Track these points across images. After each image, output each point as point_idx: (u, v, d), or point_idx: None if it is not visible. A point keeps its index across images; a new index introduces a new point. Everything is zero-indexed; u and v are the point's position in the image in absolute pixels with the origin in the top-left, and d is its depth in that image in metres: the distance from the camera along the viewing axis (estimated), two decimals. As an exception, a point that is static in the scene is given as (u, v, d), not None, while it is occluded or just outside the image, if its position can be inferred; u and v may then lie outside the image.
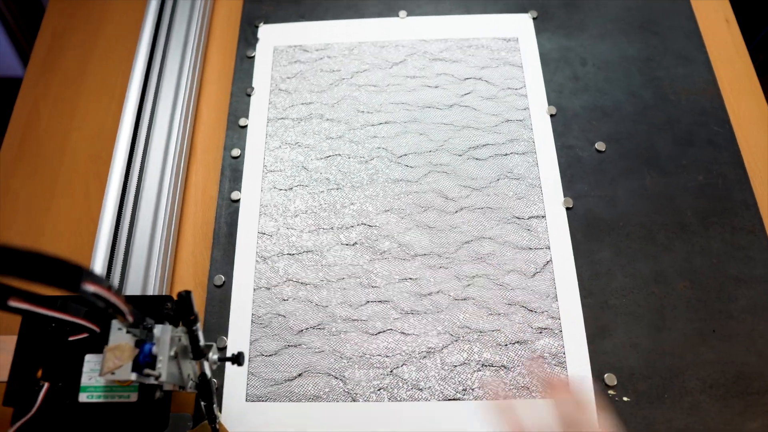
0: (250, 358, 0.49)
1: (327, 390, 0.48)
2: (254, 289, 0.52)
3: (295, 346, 0.50)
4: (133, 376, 0.38)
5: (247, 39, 0.66)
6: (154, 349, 0.39)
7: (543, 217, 0.54)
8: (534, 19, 0.66)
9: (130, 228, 0.53)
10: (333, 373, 0.49)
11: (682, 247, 0.54)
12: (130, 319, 0.37)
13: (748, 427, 0.47)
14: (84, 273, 0.30)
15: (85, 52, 0.67)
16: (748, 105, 0.62)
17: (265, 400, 0.48)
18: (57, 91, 0.65)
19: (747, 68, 0.64)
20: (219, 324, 0.51)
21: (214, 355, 0.43)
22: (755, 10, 0.85)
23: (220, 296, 0.52)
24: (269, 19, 0.67)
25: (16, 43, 1.52)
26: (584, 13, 0.67)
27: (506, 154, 0.58)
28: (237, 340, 0.50)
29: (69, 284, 0.30)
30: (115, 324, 0.40)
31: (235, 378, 0.49)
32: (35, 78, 0.66)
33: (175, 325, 0.40)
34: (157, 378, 0.38)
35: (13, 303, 0.35)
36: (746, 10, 0.83)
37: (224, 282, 0.53)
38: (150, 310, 0.44)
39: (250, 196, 0.56)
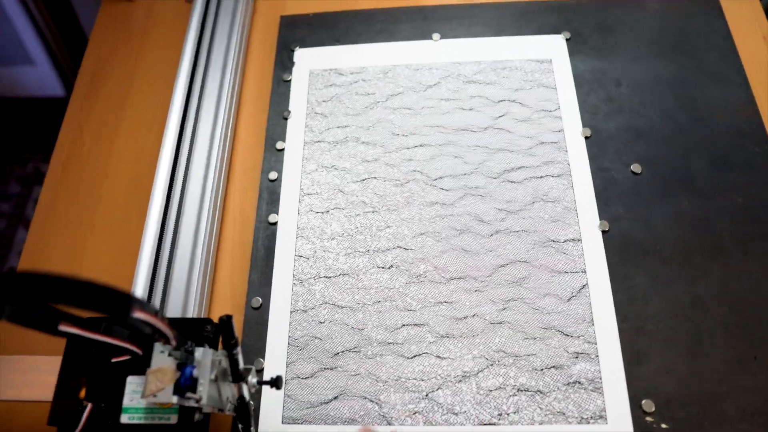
0: (286, 381, 0.50)
1: (362, 413, 0.48)
2: (291, 312, 0.52)
3: (331, 369, 0.50)
4: (175, 399, 0.39)
5: (284, 63, 0.67)
6: (195, 372, 0.39)
7: (579, 240, 0.54)
8: (567, 40, 0.66)
9: (170, 251, 0.54)
10: (368, 397, 0.49)
11: (720, 271, 0.53)
12: (174, 343, 0.38)
13: (792, 459, 0.45)
14: (133, 301, 0.31)
15: (126, 77, 0.69)
16: (788, 126, 0.60)
17: (301, 423, 0.48)
18: (99, 116, 0.67)
19: (786, 88, 0.62)
20: (256, 346, 0.51)
21: (253, 379, 0.44)
22: None
23: (257, 318, 0.53)
24: (305, 43, 0.68)
25: (57, 66, 1.57)
26: (618, 35, 0.66)
27: (541, 177, 0.57)
28: (274, 362, 0.50)
29: (119, 312, 0.31)
30: (158, 347, 0.40)
31: (271, 400, 0.49)
32: (79, 103, 0.68)
33: (215, 348, 0.41)
34: (197, 401, 0.39)
35: (63, 327, 0.36)
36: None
37: (261, 304, 0.53)
38: (190, 332, 0.45)
39: (287, 218, 0.57)
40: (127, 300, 0.31)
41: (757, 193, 0.56)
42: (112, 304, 0.30)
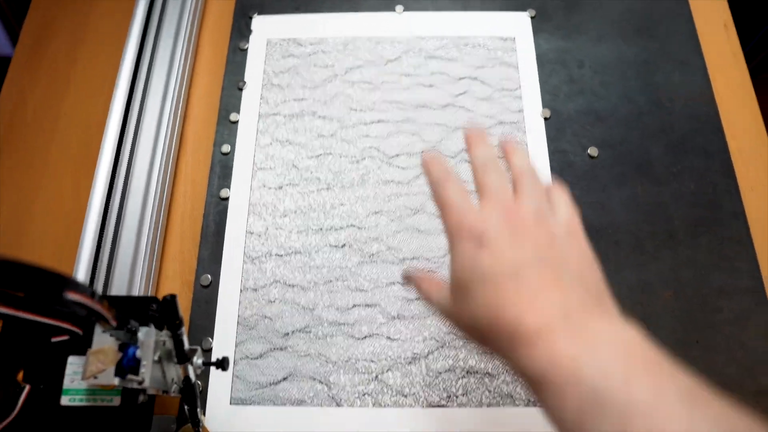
0: (235, 361, 0.49)
1: (311, 394, 0.48)
2: (241, 290, 0.51)
3: (281, 349, 0.49)
4: (116, 381, 0.37)
5: (241, 30, 0.64)
6: (138, 353, 0.38)
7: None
8: (532, 18, 0.65)
9: (116, 225, 0.52)
10: (318, 378, 0.48)
11: (670, 257, 0.53)
12: (114, 323, 0.36)
13: (727, 441, 0.47)
14: (66, 282, 0.29)
15: (74, 41, 0.65)
16: (742, 113, 0.61)
17: (249, 404, 0.48)
18: (45, 79, 0.63)
19: (743, 76, 0.63)
20: (205, 325, 0.50)
21: (198, 360, 0.43)
22: (752, 12, 0.83)
23: (207, 297, 0.51)
24: (264, 10, 0.65)
25: (6, 24, 1.49)
26: (583, 14, 0.65)
27: (499, 157, 0.56)
28: (222, 341, 0.49)
29: (51, 294, 0.29)
30: (99, 327, 0.39)
31: (219, 381, 0.48)
32: (21, 68, 0.64)
33: (160, 328, 0.40)
34: (140, 383, 0.38)
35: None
36: (743, 12, 0.81)
37: (211, 282, 0.52)
38: (135, 311, 0.43)
39: (239, 194, 0.55)
40: (58, 280, 0.29)
41: (710, 179, 0.57)
42: (42, 284, 0.29)
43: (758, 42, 0.83)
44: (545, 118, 0.59)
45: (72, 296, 0.30)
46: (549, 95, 0.60)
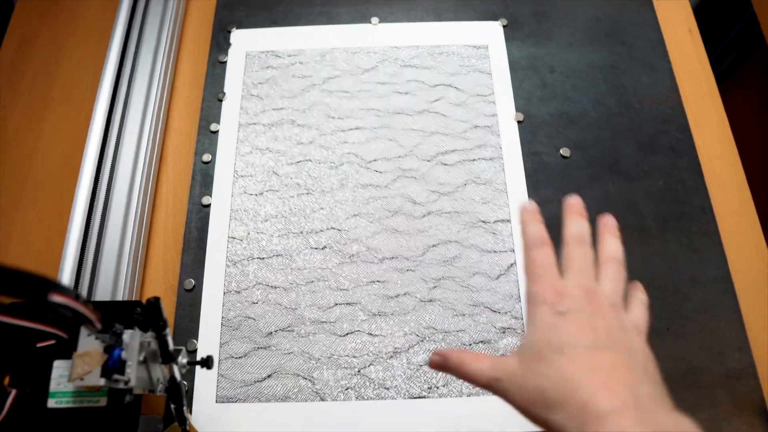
0: (219, 361, 0.52)
1: (296, 390, 0.51)
2: (224, 293, 0.55)
3: (265, 348, 0.52)
4: (102, 382, 0.40)
5: (219, 44, 0.69)
6: (123, 355, 0.41)
7: (508, 221, 0.58)
8: (504, 26, 0.70)
9: (99, 233, 0.55)
10: (302, 374, 0.51)
11: (641, 250, 0.58)
12: (99, 326, 0.39)
13: (696, 418, 0.50)
14: (50, 284, 0.32)
15: (54, 55, 0.70)
16: (708, 113, 0.66)
17: (235, 401, 0.51)
18: (26, 95, 0.68)
19: (708, 78, 0.68)
20: (189, 327, 0.54)
21: (183, 359, 0.46)
22: (718, 19, 0.89)
23: (191, 300, 0.55)
24: (242, 25, 0.70)
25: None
26: (553, 22, 0.71)
27: (474, 160, 0.61)
28: (207, 342, 0.53)
29: (36, 296, 0.31)
30: (84, 330, 0.42)
31: (205, 380, 0.51)
32: (4, 80, 0.68)
33: (145, 331, 0.43)
34: (126, 383, 0.41)
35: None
36: (709, 19, 0.87)
37: (194, 286, 0.55)
38: (119, 315, 0.46)
39: (220, 200, 0.59)
40: (42, 283, 0.31)
41: (678, 176, 0.62)
42: (27, 287, 0.30)
43: (723, 49, 0.88)
44: (518, 122, 0.63)
45: (57, 298, 0.32)
46: (522, 100, 0.65)
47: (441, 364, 0.37)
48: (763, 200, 0.64)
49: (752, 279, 0.58)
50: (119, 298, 0.53)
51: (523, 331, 0.53)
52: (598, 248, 0.38)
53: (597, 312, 0.33)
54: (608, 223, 0.40)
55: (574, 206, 0.40)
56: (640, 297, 0.38)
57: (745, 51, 0.84)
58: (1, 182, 0.62)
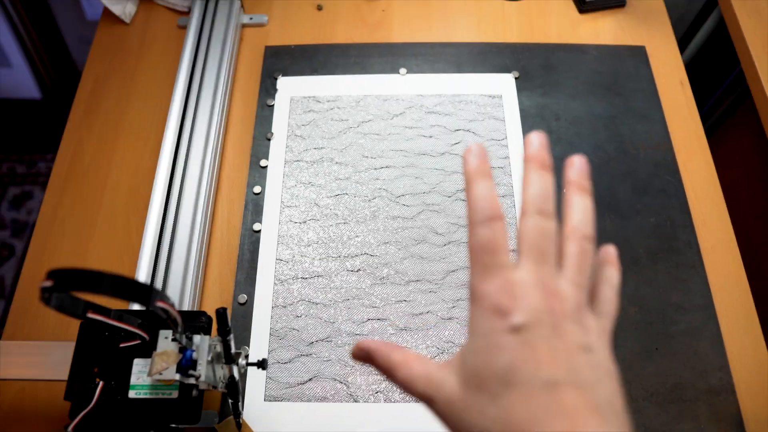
0: (268, 365, 0.59)
1: (333, 392, 0.58)
2: (272, 307, 0.62)
3: (307, 356, 0.60)
4: (177, 377, 0.48)
5: (267, 90, 0.77)
6: (194, 355, 0.49)
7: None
8: (516, 78, 0.78)
9: (168, 255, 0.63)
10: (338, 378, 0.59)
11: (634, 279, 0.65)
12: (182, 327, 0.47)
13: (680, 428, 0.58)
14: (157, 293, 0.40)
15: (124, 96, 0.79)
16: (696, 159, 0.73)
17: (281, 400, 0.58)
18: (99, 131, 0.76)
19: (697, 127, 0.76)
20: (242, 336, 0.61)
21: (242, 361, 0.53)
22: (708, 77, 0.97)
23: (243, 312, 0.62)
24: (287, 72, 0.78)
25: (33, 68, 1.63)
26: (559, 75, 0.79)
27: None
28: (257, 349, 0.60)
29: (145, 301, 0.39)
30: (162, 333, 0.50)
31: (255, 382, 0.59)
32: (79, 119, 0.78)
33: (210, 335, 0.50)
34: (197, 378, 0.48)
35: (91, 315, 0.45)
36: (700, 76, 0.95)
37: (247, 300, 0.63)
38: (187, 322, 0.54)
39: (269, 227, 0.67)
40: (152, 291, 0.40)
41: (668, 215, 0.69)
42: (141, 294, 0.39)
43: (713, 103, 0.96)
44: (528, 163, 0.71)
45: (159, 303, 0.41)
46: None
47: (363, 359, 0.31)
48: (743, 237, 0.71)
49: (733, 307, 0.64)
50: (184, 309, 0.61)
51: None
52: (563, 213, 0.30)
53: (558, 325, 0.26)
54: (579, 169, 0.31)
55: (535, 152, 0.30)
56: (609, 278, 0.31)
57: (736, 102, 0.92)
58: (78, 206, 0.71)
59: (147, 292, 0.40)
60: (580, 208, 0.30)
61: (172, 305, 0.42)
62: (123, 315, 0.49)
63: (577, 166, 0.31)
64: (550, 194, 0.29)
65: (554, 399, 0.24)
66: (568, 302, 0.27)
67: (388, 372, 0.29)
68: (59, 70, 1.65)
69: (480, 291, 0.27)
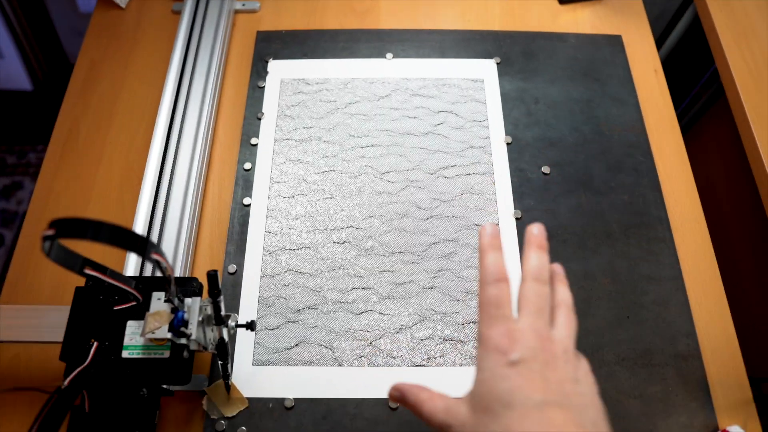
0: (256, 331, 0.61)
1: (318, 357, 0.60)
2: (261, 276, 0.64)
3: (294, 322, 0.62)
4: (169, 335, 0.49)
5: (259, 72, 0.79)
6: (186, 315, 0.50)
7: (497, 225, 0.67)
8: (498, 64, 0.80)
9: (161, 227, 0.65)
10: (324, 344, 0.60)
11: (607, 252, 0.67)
12: (175, 291, 0.48)
13: (650, 390, 0.60)
14: (151, 244, 0.42)
15: (119, 78, 0.80)
16: (668, 141, 0.76)
17: (268, 365, 0.60)
18: (94, 111, 0.78)
19: (669, 111, 0.78)
20: (231, 304, 0.63)
21: (232, 322, 0.55)
22: (684, 78, 1.00)
23: (233, 281, 0.64)
24: (277, 56, 0.80)
25: (25, 60, 1.63)
26: (539, 61, 0.81)
27: (469, 174, 0.71)
28: (246, 317, 0.62)
29: (141, 251, 0.41)
30: (155, 295, 0.51)
31: (244, 347, 0.60)
32: (74, 98, 0.79)
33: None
34: (188, 337, 0.50)
35: (88, 271, 0.47)
36: (679, 72, 0.98)
37: (236, 270, 0.65)
38: (179, 287, 0.55)
39: (258, 201, 0.68)
40: (146, 242, 0.41)
41: (640, 192, 0.71)
42: (137, 244, 0.41)
43: (692, 98, 1.00)
44: (507, 143, 0.73)
45: (155, 256, 0.42)
46: (511, 125, 0.75)
47: (399, 399, 0.38)
48: (712, 214, 0.73)
49: (700, 278, 0.67)
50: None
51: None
52: (550, 286, 0.38)
53: (550, 362, 0.32)
54: (557, 271, 0.39)
55: (535, 237, 0.38)
56: (563, 299, 0.37)
57: (713, 97, 0.94)
58: (73, 181, 0.72)
59: (143, 243, 0.41)
60: (563, 290, 0.38)
61: (165, 259, 0.44)
62: (118, 274, 0.50)
63: (559, 273, 0.39)
64: (545, 267, 0.37)
65: (545, 417, 0.29)
66: (559, 345, 0.33)
67: (416, 406, 0.36)
68: (51, 62, 1.65)
69: (486, 335, 0.33)
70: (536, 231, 0.38)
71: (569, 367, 0.32)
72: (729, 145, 0.89)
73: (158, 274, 0.64)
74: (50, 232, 0.37)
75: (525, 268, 0.37)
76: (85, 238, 0.38)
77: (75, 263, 0.46)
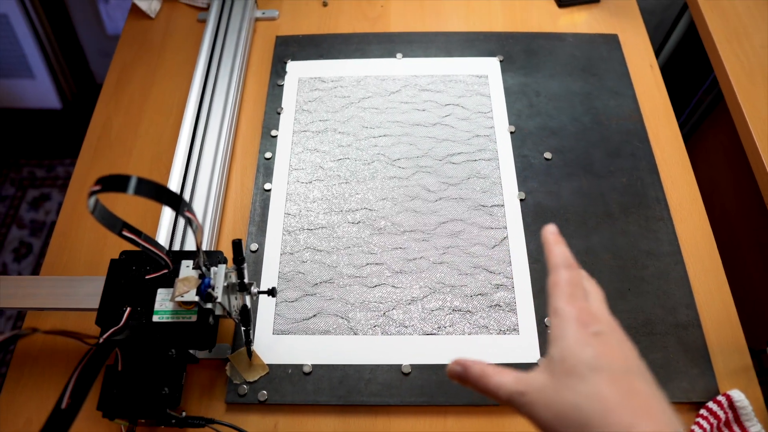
0: (276, 303, 0.63)
1: (335, 326, 0.61)
2: (281, 254, 0.66)
3: (312, 295, 0.63)
4: (197, 299, 0.51)
5: (278, 72, 0.82)
6: (212, 281, 0.52)
7: (502, 206, 0.69)
8: (501, 61, 0.83)
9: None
10: (340, 315, 0.62)
11: (608, 230, 0.68)
12: (202, 253, 0.50)
13: (650, 358, 0.60)
14: (185, 202, 0.44)
15: (149, 80, 0.84)
16: (664, 128, 0.77)
17: (287, 334, 0.61)
18: (125, 108, 0.81)
19: (664, 101, 0.80)
20: (253, 279, 0.65)
21: (255, 289, 0.57)
22: (685, 86, 1.02)
23: (255, 258, 0.66)
24: (295, 57, 0.83)
25: (55, 80, 1.69)
26: (540, 59, 0.83)
27: (475, 160, 0.73)
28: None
29: (176, 206, 0.42)
30: (184, 263, 0.53)
31: (265, 317, 0.62)
32: (108, 98, 0.82)
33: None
34: (214, 300, 0.52)
35: (125, 233, 0.49)
36: (678, 85, 0.99)
37: (258, 248, 0.67)
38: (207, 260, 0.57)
39: (278, 187, 0.71)
40: (181, 199, 0.43)
41: (637, 175, 0.73)
42: (173, 200, 0.42)
43: (689, 112, 1.01)
44: (511, 132, 0.75)
45: (187, 214, 0.44)
46: (514, 116, 0.77)
47: (460, 374, 0.37)
48: (708, 194, 0.74)
49: (698, 253, 0.68)
50: (200, 256, 0.64)
51: (513, 287, 0.64)
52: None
53: (622, 339, 0.34)
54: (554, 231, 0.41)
55: (553, 234, 0.40)
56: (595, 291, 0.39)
57: (714, 101, 0.96)
58: (107, 171, 0.75)
59: (178, 200, 0.43)
60: (591, 281, 0.40)
61: (196, 217, 0.46)
62: (151, 239, 0.52)
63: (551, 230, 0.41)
64: (569, 255, 0.39)
65: (633, 384, 0.31)
66: (620, 329, 0.35)
67: (482, 378, 0.36)
68: (79, 82, 1.71)
69: (567, 310, 0.35)
70: (552, 229, 0.40)
71: (633, 347, 0.34)
72: (729, 145, 0.90)
73: (189, 233, 0.66)
74: (96, 188, 0.40)
75: (552, 259, 0.39)
76: (125, 191, 0.40)
77: (115, 225, 0.48)
